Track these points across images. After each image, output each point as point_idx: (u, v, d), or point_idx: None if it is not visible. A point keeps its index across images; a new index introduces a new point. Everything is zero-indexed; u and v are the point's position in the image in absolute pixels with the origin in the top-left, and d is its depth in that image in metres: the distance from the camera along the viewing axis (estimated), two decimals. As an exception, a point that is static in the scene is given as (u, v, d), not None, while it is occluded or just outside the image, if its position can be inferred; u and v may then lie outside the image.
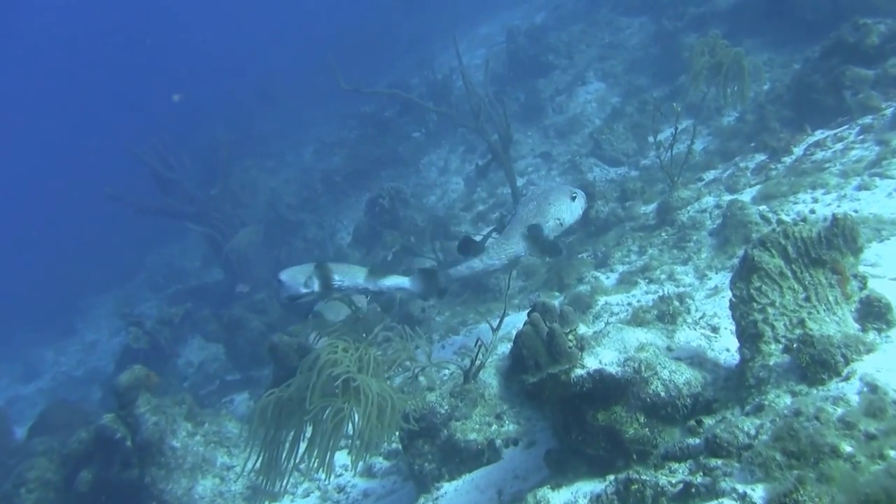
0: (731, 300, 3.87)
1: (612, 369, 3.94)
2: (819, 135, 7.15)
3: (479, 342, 5.07)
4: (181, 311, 11.05)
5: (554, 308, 4.02)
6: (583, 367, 3.96)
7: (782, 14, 10.26)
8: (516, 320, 6.67)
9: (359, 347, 4.51)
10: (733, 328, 3.97)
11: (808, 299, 3.74)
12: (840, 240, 3.75)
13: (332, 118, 20.61)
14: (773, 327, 3.72)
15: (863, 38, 7.19)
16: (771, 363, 3.63)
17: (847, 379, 3.37)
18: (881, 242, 4.97)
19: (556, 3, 18.84)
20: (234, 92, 26.28)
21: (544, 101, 13.87)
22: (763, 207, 6.01)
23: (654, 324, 4.86)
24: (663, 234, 6.67)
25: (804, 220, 4.09)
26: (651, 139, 8.60)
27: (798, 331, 3.65)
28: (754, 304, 3.78)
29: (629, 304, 5.91)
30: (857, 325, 3.70)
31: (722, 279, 5.61)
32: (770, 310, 3.75)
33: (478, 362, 5.08)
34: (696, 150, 8.24)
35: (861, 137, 6.57)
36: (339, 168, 15.56)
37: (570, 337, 3.96)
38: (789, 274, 3.78)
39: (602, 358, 4.02)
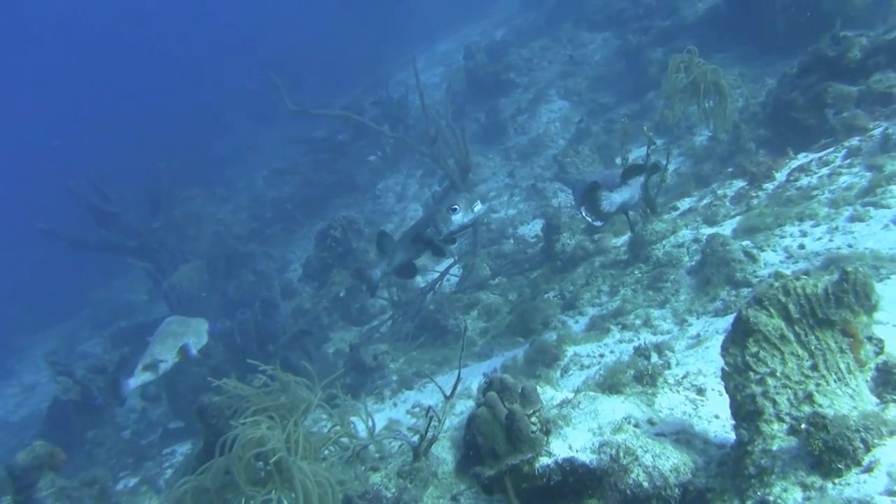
0: (723, 369, 3.24)
1: (585, 457, 3.27)
2: (802, 158, 6.53)
3: (430, 412, 4.34)
4: (116, 357, 10.14)
5: (514, 385, 3.34)
6: (549, 454, 3.29)
7: (752, 27, 9.78)
8: (477, 371, 5.97)
9: (286, 424, 3.80)
10: (721, 388, 3.39)
11: (815, 367, 3.12)
12: (851, 296, 3.12)
13: (287, 142, 19.83)
14: (774, 402, 3.11)
15: (844, 52, 6.62)
16: (774, 448, 3.01)
17: (870, 471, 2.77)
18: (881, 282, 4.38)
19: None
20: (188, 114, 25.37)
21: (506, 121, 13.24)
22: (747, 242, 5.38)
23: (632, 386, 4.18)
24: (636, 271, 5.99)
25: (807, 273, 3.44)
26: (619, 160, 7.97)
27: (806, 407, 3.03)
28: (751, 374, 3.17)
29: (601, 354, 5.24)
30: (874, 399, 3.06)
31: (704, 325, 4.97)
32: (770, 381, 3.14)
33: (429, 435, 4.35)
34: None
35: (849, 161, 5.96)
36: (291, 196, 14.76)
37: (534, 419, 3.29)
38: (791, 337, 3.17)
39: (572, 442, 3.35)
